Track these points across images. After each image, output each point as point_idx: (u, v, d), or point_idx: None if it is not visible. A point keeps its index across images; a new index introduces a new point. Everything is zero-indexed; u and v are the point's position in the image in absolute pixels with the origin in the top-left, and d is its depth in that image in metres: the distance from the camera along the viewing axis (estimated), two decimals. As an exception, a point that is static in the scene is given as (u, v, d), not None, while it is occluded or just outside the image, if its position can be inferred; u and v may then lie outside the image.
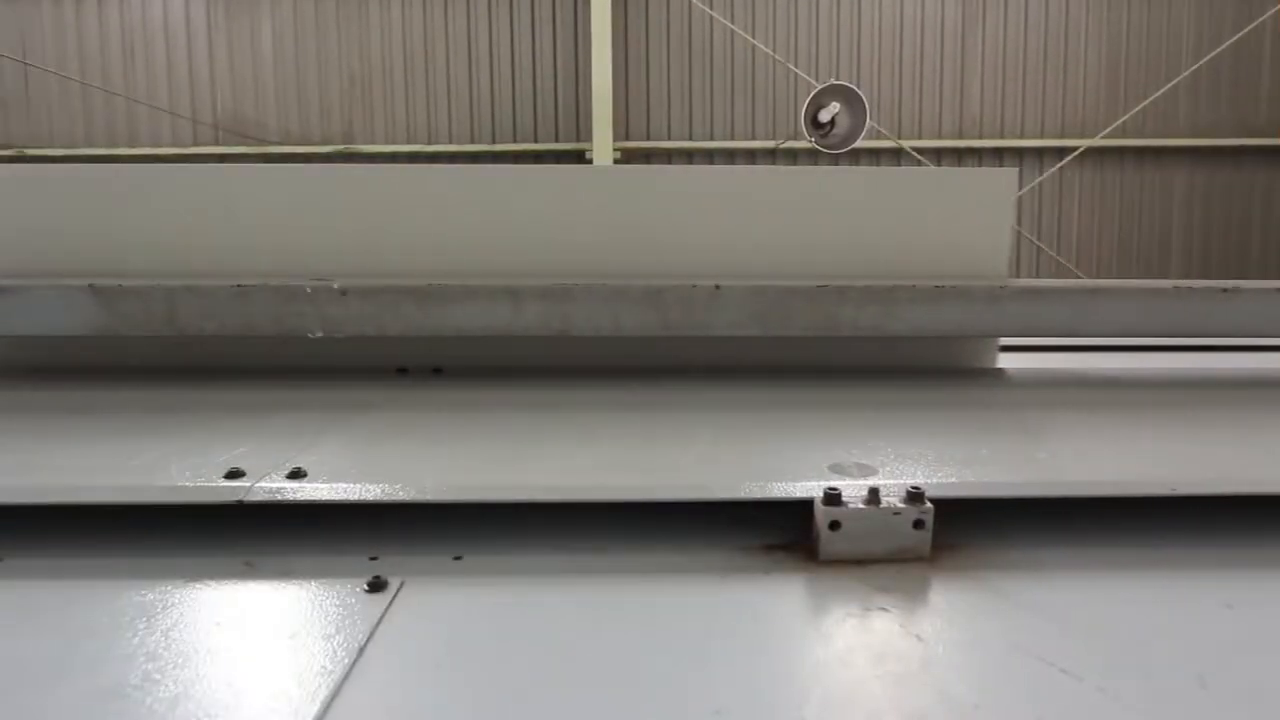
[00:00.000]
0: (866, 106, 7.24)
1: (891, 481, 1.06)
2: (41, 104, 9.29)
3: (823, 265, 1.81)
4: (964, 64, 9.19)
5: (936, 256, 1.81)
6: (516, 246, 1.78)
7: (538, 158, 9.31)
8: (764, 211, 1.80)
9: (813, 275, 1.76)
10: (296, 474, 1.10)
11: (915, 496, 1.00)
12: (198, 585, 0.95)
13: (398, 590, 0.93)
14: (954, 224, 1.81)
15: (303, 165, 1.89)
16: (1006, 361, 1.94)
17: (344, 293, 1.60)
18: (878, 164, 9.29)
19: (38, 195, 1.77)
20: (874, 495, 0.99)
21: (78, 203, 1.78)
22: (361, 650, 0.81)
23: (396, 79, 9.20)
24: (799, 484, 1.07)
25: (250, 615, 0.89)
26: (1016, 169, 1.87)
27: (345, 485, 1.08)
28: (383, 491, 1.06)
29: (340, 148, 9.17)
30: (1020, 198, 9.08)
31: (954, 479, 1.11)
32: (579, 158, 9.19)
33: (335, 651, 0.81)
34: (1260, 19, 8.25)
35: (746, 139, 9.25)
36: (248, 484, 1.07)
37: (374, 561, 1.01)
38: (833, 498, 1.00)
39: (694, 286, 1.61)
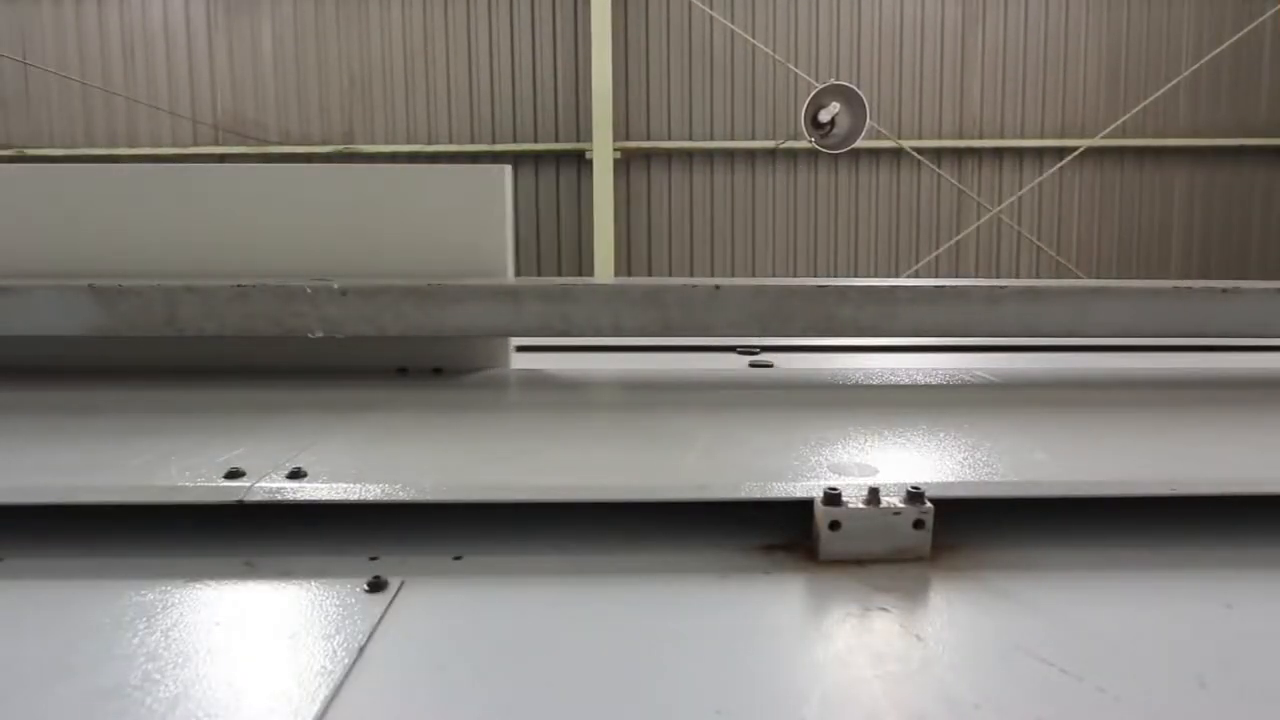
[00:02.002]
0: (866, 106, 7.24)
1: (892, 481, 1.06)
2: (41, 104, 9.28)
3: (323, 263, 1.82)
4: (964, 64, 9.18)
5: (438, 254, 1.83)
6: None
7: (538, 158, 9.31)
8: (264, 210, 1.83)
9: (314, 273, 1.78)
10: (296, 474, 1.10)
11: (915, 496, 1.00)
12: (198, 585, 0.95)
13: (398, 590, 0.93)
14: (452, 222, 1.83)
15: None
16: (524, 362, 1.96)
17: (344, 293, 1.61)
18: (877, 164, 9.29)
19: None
20: (874, 495, 0.99)
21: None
22: (361, 650, 0.81)
23: (396, 79, 9.19)
24: (799, 484, 1.07)
25: (250, 615, 0.89)
26: (509, 166, 1.88)
27: (345, 485, 1.08)
28: (383, 491, 1.06)
29: (340, 148, 9.17)
30: (1020, 198, 9.08)
31: (953, 479, 1.11)
32: (579, 158, 9.18)
33: (335, 651, 0.81)
34: (1260, 19, 8.25)
35: (746, 139, 9.24)
36: (248, 484, 1.07)
37: (374, 561, 1.01)
38: (833, 498, 1.00)
39: (694, 286, 1.61)
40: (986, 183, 9.30)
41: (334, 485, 1.08)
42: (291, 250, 1.83)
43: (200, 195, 1.84)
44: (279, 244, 1.83)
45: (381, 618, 0.87)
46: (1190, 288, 1.68)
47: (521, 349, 2.02)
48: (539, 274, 9.45)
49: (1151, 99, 8.60)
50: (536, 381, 1.81)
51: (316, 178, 1.85)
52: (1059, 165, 8.96)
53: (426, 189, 1.84)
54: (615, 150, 8.90)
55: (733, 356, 2.17)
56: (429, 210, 1.84)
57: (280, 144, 9.15)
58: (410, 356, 1.85)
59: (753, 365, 2.06)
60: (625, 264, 9.31)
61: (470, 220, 1.84)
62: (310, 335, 1.63)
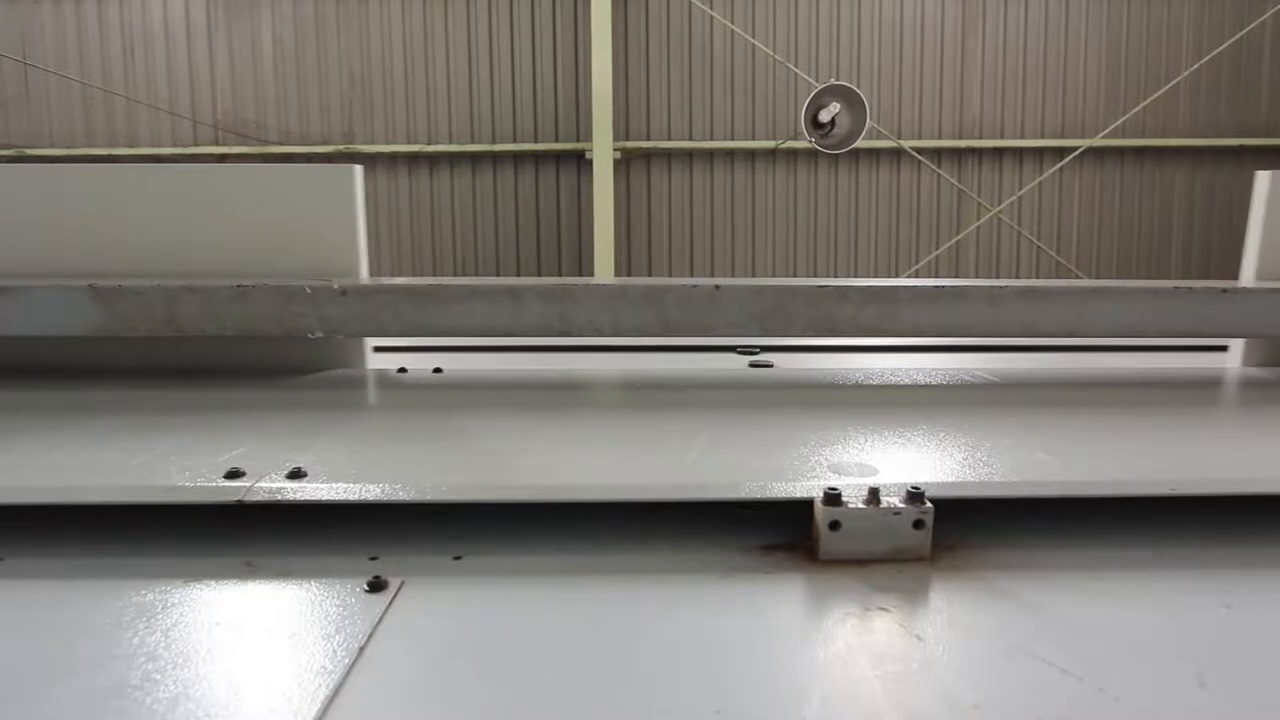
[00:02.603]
0: (866, 106, 7.23)
1: (892, 481, 1.06)
2: (41, 104, 9.27)
3: (175, 262, 1.82)
4: (964, 64, 9.17)
5: (289, 253, 1.83)
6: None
7: (538, 158, 9.30)
8: (118, 209, 1.83)
9: (167, 272, 1.79)
10: (296, 474, 1.10)
11: (915, 496, 1.00)
12: (198, 585, 0.95)
13: (398, 590, 0.93)
14: (303, 221, 1.83)
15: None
16: (381, 361, 1.97)
17: (344, 293, 1.60)
18: (877, 164, 9.29)
19: None
20: (874, 495, 0.99)
21: None
22: (361, 650, 0.81)
23: (396, 79, 9.18)
24: (799, 484, 1.07)
25: (250, 615, 0.89)
26: (360, 166, 1.89)
27: (345, 485, 1.08)
28: (383, 491, 1.06)
29: (340, 147, 9.16)
30: (1020, 198, 9.08)
31: (953, 479, 1.11)
32: (579, 158, 9.18)
33: (335, 651, 0.81)
34: (1260, 19, 8.25)
35: (746, 139, 9.23)
36: (248, 484, 1.07)
37: (374, 561, 1.01)
38: (833, 498, 1.00)
39: (694, 287, 1.61)
40: (986, 183, 9.30)
41: (334, 485, 1.08)
42: (145, 248, 1.83)
43: (56, 194, 1.83)
44: (134, 241, 1.83)
45: (381, 618, 0.87)
46: (1190, 288, 1.68)
47: (379, 349, 2.03)
48: (539, 274, 9.45)
49: (1151, 99, 8.59)
50: (535, 381, 1.81)
51: (169, 177, 1.85)
52: (1059, 165, 8.95)
53: (277, 188, 1.85)
54: (615, 150, 8.89)
55: (733, 356, 2.17)
56: (280, 210, 1.84)
57: (280, 144, 9.15)
58: (259, 356, 1.84)
59: (753, 365, 2.06)
60: (625, 264, 9.30)
61: (321, 219, 1.84)
62: (310, 335, 1.63)
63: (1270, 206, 1.91)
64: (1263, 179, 1.94)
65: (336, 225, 1.84)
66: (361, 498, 1.06)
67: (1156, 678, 0.78)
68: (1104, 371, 1.93)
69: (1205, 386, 1.79)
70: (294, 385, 1.72)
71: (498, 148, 9.20)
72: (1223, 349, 2.15)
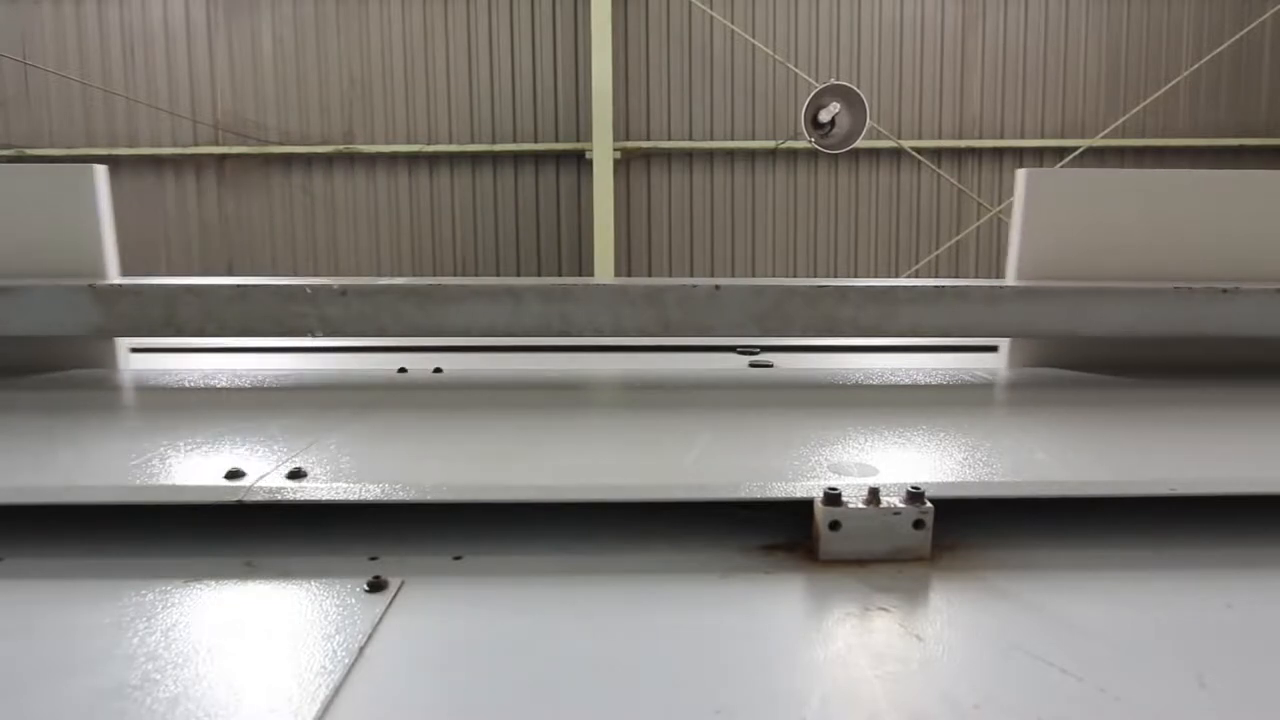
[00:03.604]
0: (866, 106, 7.23)
1: (892, 481, 1.06)
2: (41, 104, 9.27)
3: None
4: (964, 64, 9.17)
5: (28, 254, 1.80)
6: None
7: (538, 158, 9.30)
8: None
9: None
10: (296, 474, 1.10)
11: (915, 496, 1.00)
12: (198, 585, 0.95)
13: (398, 590, 0.93)
14: (43, 222, 1.81)
15: None
16: (140, 362, 1.94)
17: (344, 293, 1.60)
18: (877, 164, 9.29)
19: None
20: (874, 495, 0.99)
21: None
22: (361, 650, 0.81)
23: (396, 79, 9.18)
24: (799, 484, 1.07)
25: (250, 615, 0.89)
26: (105, 166, 1.88)
27: (345, 485, 1.08)
28: (383, 491, 1.06)
29: (340, 147, 9.16)
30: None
31: (953, 479, 1.11)
32: (579, 158, 9.18)
33: (335, 651, 0.81)
34: (1260, 19, 8.25)
35: (746, 139, 9.23)
36: (248, 484, 1.07)
37: (374, 561, 1.01)
38: (833, 498, 1.00)
39: (694, 286, 1.61)
40: (986, 183, 9.30)
41: (334, 485, 1.08)
42: None
43: None
44: None
45: (381, 618, 0.87)
46: (1190, 288, 1.68)
47: (137, 350, 2.01)
48: (539, 274, 9.45)
49: (1151, 99, 8.60)
50: (535, 381, 1.81)
51: None
52: (1059, 165, 8.96)
53: (17, 189, 1.82)
54: (615, 150, 8.89)
55: (733, 356, 2.17)
56: (20, 211, 1.82)
57: (280, 144, 9.15)
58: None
59: (753, 365, 2.06)
60: (625, 264, 9.30)
61: (62, 220, 1.82)
62: (311, 335, 1.63)
63: (1028, 205, 1.88)
64: (1021, 177, 1.91)
65: (80, 226, 1.82)
66: (361, 498, 1.06)
67: (1156, 678, 0.78)
68: (1102, 371, 1.93)
69: (1206, 386, 1.79)
70: (297, 385, 1.72)
71: (498, 148, 9.20)
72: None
